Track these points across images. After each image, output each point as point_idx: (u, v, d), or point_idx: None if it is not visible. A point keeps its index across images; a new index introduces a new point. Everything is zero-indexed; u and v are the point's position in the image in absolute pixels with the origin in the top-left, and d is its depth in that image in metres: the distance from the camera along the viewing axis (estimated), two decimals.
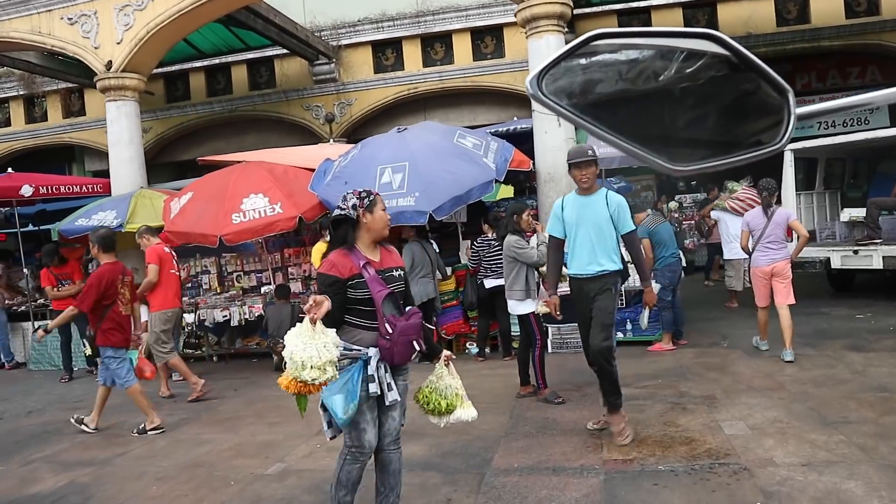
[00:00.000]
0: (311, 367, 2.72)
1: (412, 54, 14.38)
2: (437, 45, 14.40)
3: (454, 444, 4.89)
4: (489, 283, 7.40)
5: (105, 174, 11.80)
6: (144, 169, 10.95)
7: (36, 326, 6.27)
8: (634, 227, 4.87)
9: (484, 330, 7.82)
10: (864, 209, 9.25)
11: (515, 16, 8.85)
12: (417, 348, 3.24)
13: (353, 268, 3.09)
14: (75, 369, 9.21)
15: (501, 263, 7.13)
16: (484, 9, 13.72)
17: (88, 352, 6.36)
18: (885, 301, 8.99)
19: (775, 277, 6.68)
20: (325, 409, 3.13)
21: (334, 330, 2.90)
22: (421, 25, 14.15)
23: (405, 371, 3.29)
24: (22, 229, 11.49)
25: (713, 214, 10.04)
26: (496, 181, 7.77)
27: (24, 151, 17.05)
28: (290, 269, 9.47)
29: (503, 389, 6.35)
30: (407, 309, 3.21)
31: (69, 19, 10.45)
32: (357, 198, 3.13)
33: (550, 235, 4.97)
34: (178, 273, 7.34)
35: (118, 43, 10.27)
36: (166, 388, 7.36)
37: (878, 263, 8.50)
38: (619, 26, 13.65)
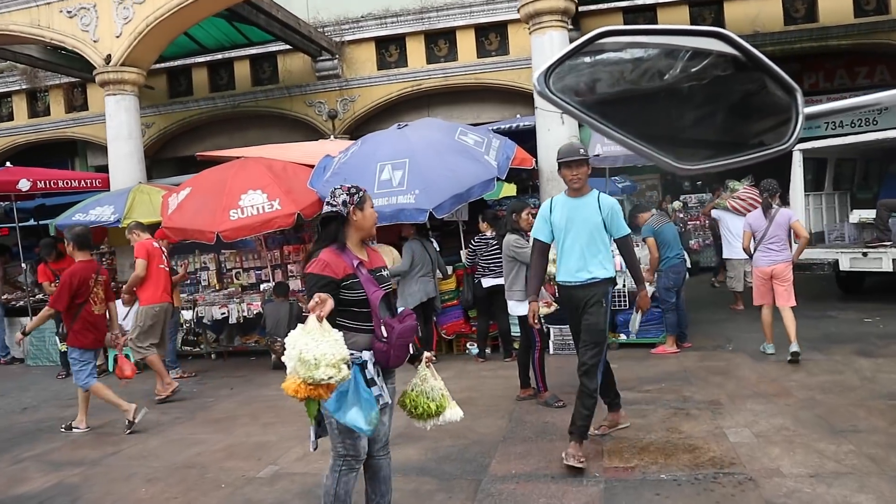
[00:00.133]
0: (326, 364, 2.56)
1: (416, 51, 14.27)
2: (440, 42, 14.29)
3: (450, 448, 4.77)
4: (487, 283, 7.29)
5: (107, 169, 11.73)
6: (144, 164, 10.87)
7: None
8: (629, 232, 4.58)
9: (483, 330, 7.70)
10: (874, 211, 9.10)
11: (518, 11, 8.73)
12: (411, 351, 3.13)
13: (347, 267, 2.96)
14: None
15: (499, 262, 7.03)
16: (488, 5, 13.60)
17: (63, 348, 6.26)
18: (895, 305, 8.83)
19: (776, 280, 6.64)
20: (318, 422, 2.98)
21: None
22: (425, 22, 14.03)
23: (393, 374, 3.17)
24: (21, 224, 11.42)
25: (713, 213, 9.94)
26: (498, 179, 7.66)
27: (27, 146, 17.02)
28: (289, 267, 9.36)
29: (503, 392, 6.23)
30: (400, 310, 3.08)
31: (68, 12, 10.36)
32: (347, 194, 2.99)
33: (535, 239, 4.63)
34: (166, 268, 7.26)
35: (117, 36, 10.18)
36: (161, 386, 7.24)
37: (887, 266, 8.36)
38: (625, 23, 13.48)
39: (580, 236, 4.40)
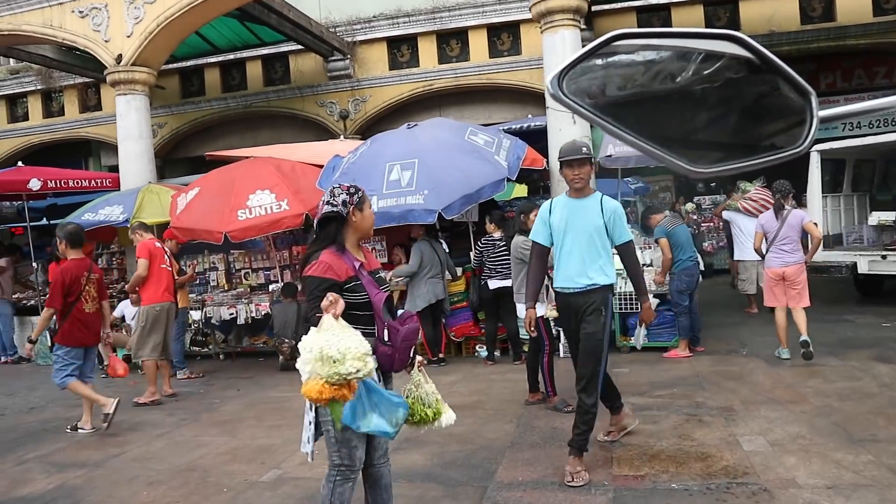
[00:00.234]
0: (352, 357, 2.49)
1: (427, 51, 14.20)
2: (452, 42, 14.21)
3: (457, 453, 4.67)
4: (493, 284, 7.20)
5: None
6: (154, 164, 10.88)
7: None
8: (631, 238, 4.31)
9: (492, 332, 7.60)
10: (894, 213, 8.92)
11: (530, 10, 8.62)
12: (412, 354, 3.04)
13: (349, 269, 2.87)
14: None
15: (506, 264, 6.95)
16: (501, 5, 13.50)
17: (49, 343, 6.24)
18: None
19: (788, 282, 6.57)
20: (317, 427, 2.87)
21: None
22: (437, 22, 13.96)
23: (391, 379, 3.07)
24: (33, 223, 11.47)
25: (725, 215, 9.81)
26: (508, 180, 7.56)
27: (41, 146, 17.14)
28: (298, 268, 9.31)
29: (511, 396, 6.13)
30: (400, 313, 2.99)
31: (80, 12, 10.39)
32: (347, 193, 2.90)
33: (534, 242, 4.43)
34: (169, 268, 7.23)
35: (128, 36, 10.19)
36: (167, 386, 7.22)
37: None
38: (639, 23, 13.38)
39: (579, 240, 4.16)
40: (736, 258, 9.57)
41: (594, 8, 12.48)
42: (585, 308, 4.13)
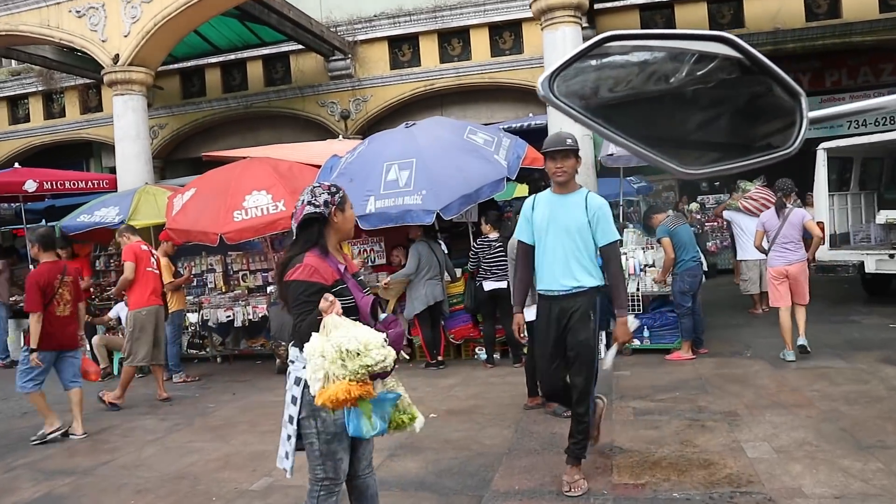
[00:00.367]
0: (375, 346, 2.41)
1: (429, 50, 14.11)
2: (454, 41, 14.13)
3: (452, 461, 4.55)
4: (488, 286, 7.09)
5: None
6: (151, 164, 10.81)
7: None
8: (618, 239, 3.97)
9: (490, 335, 7.47)
10: None
11: (530, 7, 8.51)
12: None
13: (334, 273, 2.75)
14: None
15: (502, 265, 6.82)
16: (502, 4, 13.40)
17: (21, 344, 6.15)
18: None
19: (791, 280, 6.56)
20: (299, 437, 2.73)
21: None
22: (438, 21, 13.87)
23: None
24: (31, 225, 11.38)
25: (726, 215, 9.69)
26: (508, 179, 7.44)
27: (43, 147, 17.11)
28: (277, 272, 9.19)
29: (510, 399, 6.00)
30: (383, 317, 2.87)
31: (77, 12, 10.31)
32: (328, 193, 2.78)
33: (519, 241, 4.14)
34: (155, 271, 7.14)
35: (125, 36, 10.11)
36: (161, 390, 7.12)
37: None
38: (642, 21, 13.25)
39: (562, 238, 3.86)
40: (738, 258, 9.46)
41: (597, 6, 12.37)
42: (572, 313, 3.84)
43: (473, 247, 7.40)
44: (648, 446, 4.51)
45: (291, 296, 2.72)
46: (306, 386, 2.67)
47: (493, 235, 7.18)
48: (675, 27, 13.04)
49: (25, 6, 10.56)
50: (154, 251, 7.27)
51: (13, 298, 10.24)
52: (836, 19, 12.35)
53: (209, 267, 9.55)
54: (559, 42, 8.17)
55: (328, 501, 2.74)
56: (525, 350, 6.59)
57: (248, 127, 15.65)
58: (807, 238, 6.77)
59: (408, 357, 7.52)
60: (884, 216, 9.20)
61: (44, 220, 13.16)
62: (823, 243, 8.49)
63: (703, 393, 5.71)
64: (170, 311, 7.91)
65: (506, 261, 6.59)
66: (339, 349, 2.39)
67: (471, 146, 7.56)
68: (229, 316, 8.56)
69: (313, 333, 2.51)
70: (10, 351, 10.02)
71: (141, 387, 7.72)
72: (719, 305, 9.71)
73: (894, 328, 7.71)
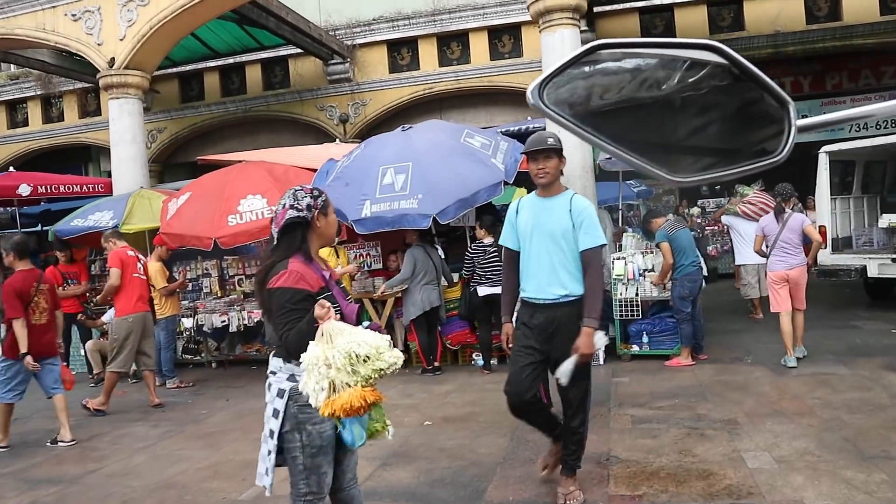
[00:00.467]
0: (386, 349, 2.35)
1: (428, 54, 14.05)
2: (453, 45, 14.06)
3: (445, 470, 4.45)
4: (483, 291, 7.00)
5: None
6: (147, 168, 10.72)
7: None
8: (602, 244, 3.69)
9: (486, 340, 7.36)
10: None
11: (528, 9, 8.40)
12: None
13: (319, 280, 2.65)
14: (73, 373, 8.92)
15: (497, 270, 6.73)
16: (501, 7, 13.33)
17: None
18: None
19: (791, 284, 6.54)
20: (280, 451, 2.63)
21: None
22: (437, 24, 13.81)
23: None
24: (27, 229, 11.32)
25: (724, 220, 9.59)
26: (506, 183, 7.35)
27: (41, 151, 17.06)
28: (257, 279, 9.09)
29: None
30: (366, 324, 2.77)
31: (73, 15, 10.25)
32: (311, 197, 2.69)
33: (504, 247, 3.94)
34: (142, 277, 7.06)
35: (121, 39, 10.04)
36: (154, 396, 7.02)
37: None
38: (641, 25, 13.18)
39: (547, 244, 3.66)
40: (737, 263, 9.37)
41: (596, 9, 12.28)
42: (560, 322, 3.63)
43: (468, 252, 7.31)
44: (646, 456, 4.40)
45: (276, 304, 2.60)
46: (290, 398, 2.58)
47: (488, 240, 7.09)
48: (674, 31, 12.96)
49: (21, 9, 10.50)
50: (141, 257, 7.18)
51: None
52: (837, 22, 12.26)
53: (205, 271, 9.45)
54: (557, 44, 8.08)
55: None
56: None
57: (246, 131, 15.60)
58: (806, 243, 6.71)
59: (437, 365, 7.49)
60: (886, 220, 9.09)
61: (39, 225, 13.10)
62: (825, 247, 8.40)
63: (702, 400, 5.60)
64: (164, 317, 7.83)
65: (501, 266, 6.49)
66: (349, 355, 2.30)
67: (468, 150, 7.47)
68: (224, 321, 8.47)
69: (311, 342, 2.40)
70: None
71: (134, 392, 7.63)
72: (720, 310, 9.60)
73: None
